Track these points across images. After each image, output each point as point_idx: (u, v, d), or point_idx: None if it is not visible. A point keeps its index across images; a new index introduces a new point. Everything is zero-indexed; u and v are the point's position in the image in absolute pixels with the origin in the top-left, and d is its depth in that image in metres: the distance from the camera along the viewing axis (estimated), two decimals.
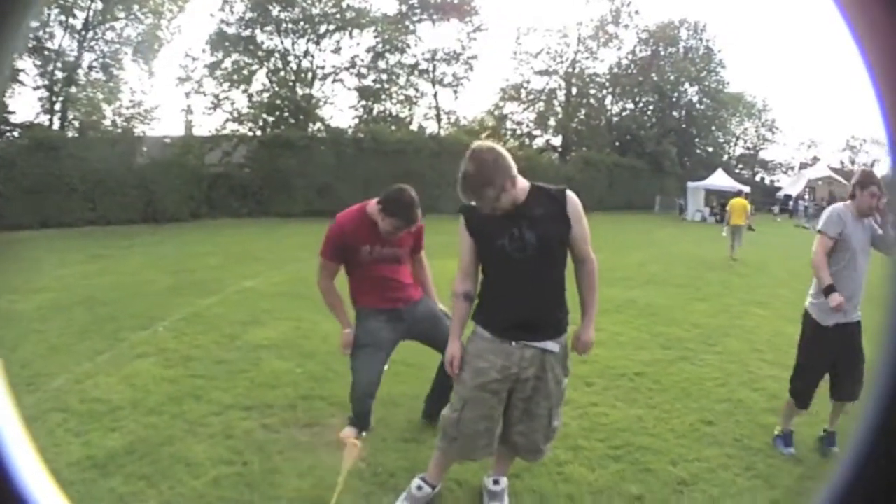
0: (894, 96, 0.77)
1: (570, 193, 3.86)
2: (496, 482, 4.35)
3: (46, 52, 29.23)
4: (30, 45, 26.69)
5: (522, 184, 3.81)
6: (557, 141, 53.44)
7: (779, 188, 62.86)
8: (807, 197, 57.41)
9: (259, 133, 35.77)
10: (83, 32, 30.32)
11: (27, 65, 28.30)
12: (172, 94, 58.36)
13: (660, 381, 7.28)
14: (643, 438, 5.59)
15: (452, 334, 3.99)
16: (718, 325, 10.52)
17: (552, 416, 4.04)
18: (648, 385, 7.15)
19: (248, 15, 37.13)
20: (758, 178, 67.50)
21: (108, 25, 31.62)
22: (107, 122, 30.16)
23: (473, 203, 3.83)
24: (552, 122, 52.80)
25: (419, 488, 4.25)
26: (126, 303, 10.62)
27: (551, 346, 3.86)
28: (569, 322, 3.93)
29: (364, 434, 5.00)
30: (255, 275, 13.43)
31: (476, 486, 4.54)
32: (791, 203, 54.71)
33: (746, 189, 29.87)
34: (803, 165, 68.34)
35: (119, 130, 29.30)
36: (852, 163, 72.95)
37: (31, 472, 0.89)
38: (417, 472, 4.48)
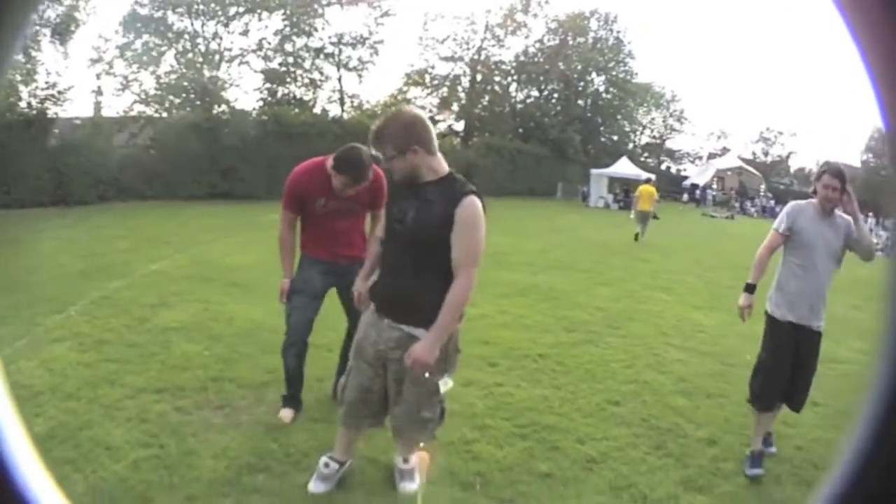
0: (894, 96, 0.75)
1: (468, 198, 3.74)
2: (405, 461, 4.45)
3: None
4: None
5: (437, 165, 3.84)
6: (460, 126, 53.48)
7: (685, 177, 64.23)
8: (715, 186, 58.87)
9: (165, 115, 35.17)
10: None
11: None
12: (84, 76, 56.63)
13: (564, 363, 7.49)
14: (549, 417, 5.79)
15: (362, 271, 4.28)
16: (622, 309, 10.84)
17: (420, 404, 3.99)
18: (553, 366, 7.36)
19: None
20: (663, 166, 68.76)
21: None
22: (23, 105, 29.36)
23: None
24: (455, 107, 52.89)
25: (326, 465, 4.36)
26: (41, 287, 10.43)
27: (418, 332, 3.81)
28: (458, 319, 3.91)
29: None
30: (162, 258, 13.22)
31: (388, 464, 4.66)
32: (698, 192, 56.07)
33: (653, 177, 30.14)
34: (712, 155, 70.02)
35: (34, 112, 28.54)
36: (765, 154, 74.99)
37: (31, 472, 0.91)
38: (330, 451, 4.54)
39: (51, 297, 9.67)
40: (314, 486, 4.29)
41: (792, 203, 5.45)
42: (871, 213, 39.99)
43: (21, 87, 28.66)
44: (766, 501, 4.62)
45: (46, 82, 29.69)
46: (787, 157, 75.83)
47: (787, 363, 5.18)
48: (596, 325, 9.49)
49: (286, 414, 5.46)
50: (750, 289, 5.45)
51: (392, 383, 4.01)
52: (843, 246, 5.12)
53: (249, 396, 5.95)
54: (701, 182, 57.83)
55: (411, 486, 4.40)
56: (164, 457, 4.74)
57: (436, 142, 3.86)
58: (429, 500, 4.26)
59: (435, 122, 52.38)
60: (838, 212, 5.15)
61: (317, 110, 43.21)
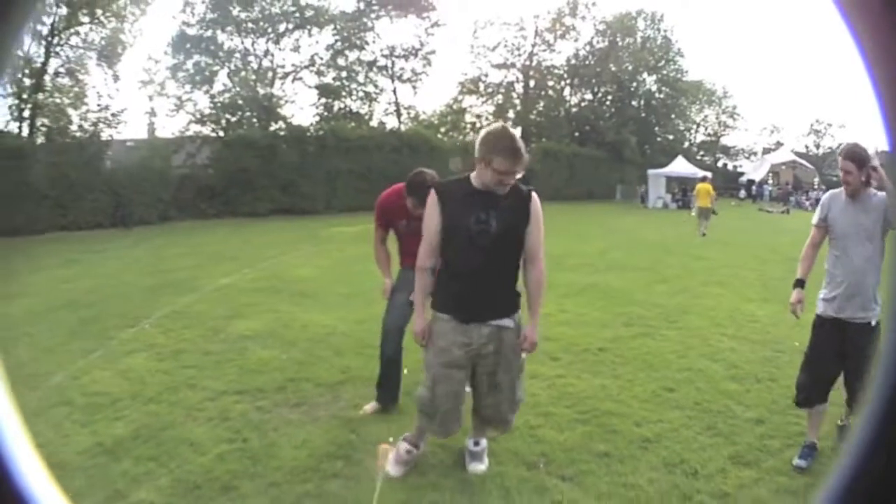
0: (894, 97, 0.76)
1: (534, 195, 4.39)
2: (476, 443, 4.80)
3: (14, 60, 28.89)
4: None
5: None
6: (517, 132, 53.36)
7: (742, 173, 63.65)
8: (770, 181, 58.24)
9: (222, 134, 35.80)
10: (49, 38, 30.00)
11: None
12: (136, 98, 57.74)
13: (622, 355, 7.78)
14: (608, 404, 6.09)
15: (417, 308, 4.51)
16: (678, 304, 11.02)
17: (515, 388, 4.50)
18: (611, 358, 7.66)
19: (209, 16, 37.42)
20: (720, 163, 68.21)
21: (72, 30, 31.29)
22: (74, 128, 29.95)
23: (456, 177, 4.46)
24: (511, 114, 52.79)
25: (408, 452, 4.71)
26: (108, 304, 10.87)
27: (507, 322, 4.34)
28: (520, 303, 4.42)
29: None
30: (230, 273, 13.69)
31: (457, 448, 4.99)
32: (755, 188, 55.51)
33: (709, 175, 30.81)
34: (766, 150, 69.33)
35: (86, 135, 29.17)
36: (817, 147, 74.15)
37: (32, 471, 0.90)
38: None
39: (120, 312, 10.16)
40: (393, 470, 4.58)
41: (827, 192, 5.35)
42: None
43: (71, 111, 29.32)
44: (810, 474, 4.78)
45: (98, 105, 30.35)
46: (839, 147, 74.51)
47: (828, 361, 5.02)
48: (653, 320, 9.72)
49: (371, 407, 5.91)
50: (799, 284, 5.36)
51: (484, 378, 4.43)
52: (881, 226, 4.80)
53: (326, 394, 6.34)
54: (756, 177, 57.39)
55: (481, 466, 4.75)
56: (247, 449, 5.08)
57: None
58: (497, 479, 4.60)
59: None
60: (875, 191, 4.91)
61: (373, 123, 43.90)
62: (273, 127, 37.14)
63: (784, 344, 8.21)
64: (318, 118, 41.79)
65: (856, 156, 4.85)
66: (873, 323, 4.80)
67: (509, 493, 4.40)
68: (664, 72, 57.98)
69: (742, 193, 54.63)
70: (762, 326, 9.41)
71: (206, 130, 36.53)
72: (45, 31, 29.68)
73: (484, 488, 4.50)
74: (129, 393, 6.41)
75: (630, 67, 55.07)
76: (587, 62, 54.10)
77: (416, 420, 4.76)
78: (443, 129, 49.67)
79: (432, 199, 4.36)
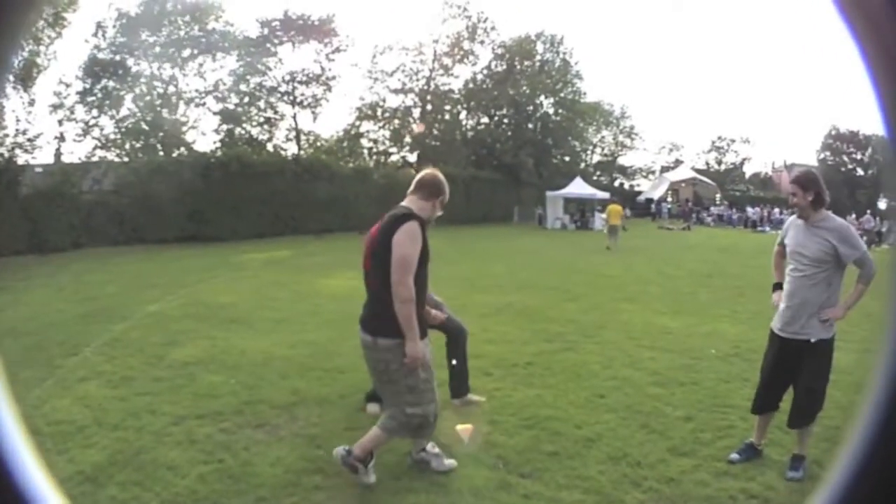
0: (894, 97, 0.76)
1: (405, 223, 4.71)
2: (434, 445, 5.39)
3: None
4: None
5: None
6: (413, 157, 53.38)
7: (639, 192, 65.35)
8: (669, 199, 59.86)
9: (126, 159, 35.39)
10: None
11: None
12: (45, 122, 56.29)
13: (550, 368, 8.45)
14: (547, 411, 6.74)
15: (416, 335, 4.72)
16: (592, 320, 11.75)
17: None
18: (540, 371, 8.31)
19: (119, 40, 37.03)
20: (616, 183, 69.47)
21: None
22: None
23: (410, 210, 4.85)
24: (408, 138, 52.96)
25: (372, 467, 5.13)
26: (47, 332, 10.86)
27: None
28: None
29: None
30: (156, 299, 13.77)
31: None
32: (654, 206, 57.03)
33: (606, 195, 35.45)
34: (665, 168, 71.24)
35: (3, 160, 28.58)
36: (719, 163, 76.16)
37: (32, 472, 0.93)
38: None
39: (60, 340, 10.19)
40: (371, 479, 5.04)
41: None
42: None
43: None
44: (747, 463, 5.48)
45: (17, 129, 29.70)
46: (741, 163, 77.16)
47: (775, 374, 5.36)
48: (571, 335, 10.38)
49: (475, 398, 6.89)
50: (775, 287, 5.58)
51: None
52: (830, 252, 5.01)
53: (283, 415, 6.64)
54: (655, 196, 58.92)
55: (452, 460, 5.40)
56: (225, 469, 5.33)
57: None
58: (465, 480, 5.16)
59: (388, 154, 52.83)
60: (833, 217, 5.14)
61: (269, 148, 43.95)
62: (176, 153, 36.84)
63: (701, 352, 9.13)
64: (219, 144, 41.63)
65: (800, 179, 5.13)
66: (813, 340, 5.10)
67: (479, 491, 4.97)
68: (562, 94, 58.41)
69: (627, 213, 56.07)
70: (676, 338, 10.21)
71: (111, 156, 36.10)
72: None
73: (455, 488, 5.04)
74: (93, 420, 6.55)
75: (527, 90, 55.39)
76: (485, 86, 54.37)
77: (388, 436, 5.12)
78: (340, 155, 49.68)
79: (418, 230, 4.70)
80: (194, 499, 4.88)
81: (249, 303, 13.68)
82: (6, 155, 28.72)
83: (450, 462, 5.30)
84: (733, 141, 76.22)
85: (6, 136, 29.53)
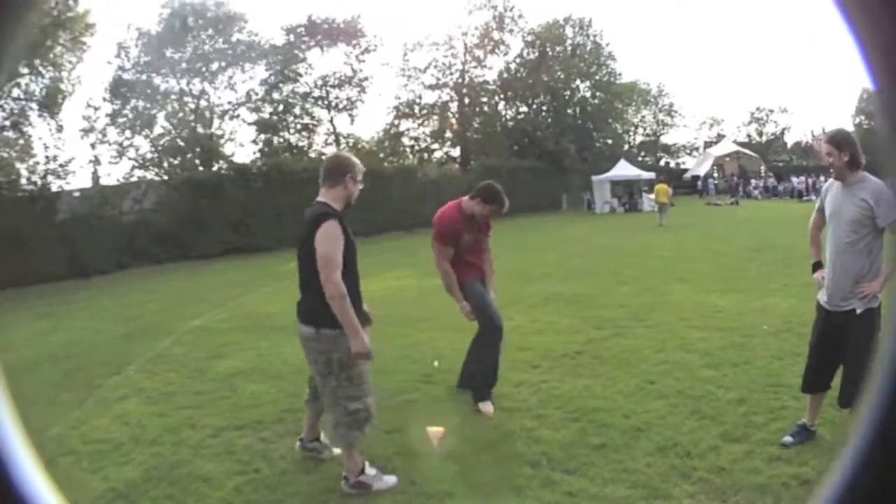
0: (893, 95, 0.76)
1: (322, 223, 4.70)
2: (371, 466, 5.11)
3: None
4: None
5: None
6: (456, 152, 53.61)
7: (685, 170, 64.11)
8: (716, 175, 58.78)
9: (166, 177, 35.67)
10: None
11: None
12: (79, 146, 57.23)
13: (599, 356, 8.14)
14: (594, 402, 6.44)
15: (359, 329, 4.69)
16: (643, 302, 11.40)
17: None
18: (589, 361, 8.00)
19: (143, 59, 37.37)
20: (662, 162, 68.32)
21: (13, 83, 31.00)
22: (23, 181, 29.75)
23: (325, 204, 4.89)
24: (448, 133, 53.03)
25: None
26: (88, 355, 10.89)
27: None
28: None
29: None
30: (200, 314, 13.73)
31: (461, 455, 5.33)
32: (700, 182, 56.18)
33: (652, 175, 36.92)
34: (708, 144, 69.49)
35: (36, 188, 28.97)
36: (760, 135, 74.47)
37: (32, 472, 0.90)
38: (410, 454, 5.45)
39: (102, 361, 10.21)
40: (388, 481, 4.98)
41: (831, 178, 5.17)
42: None
43: (18, 164, 28.99)
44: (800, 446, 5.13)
45: (46, 157, 30.07)
46: (782, 133, 75.23)
47: (822, 350, 5.10)
48: (622, 320, 10.05)
49: (489, 408, 6.40)
50: (814, 266, 5.30)
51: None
52: (868, 213, 4.72)
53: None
54: (701, 172, 57.63)
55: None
56: (261, 479, 5.24)
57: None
58: (506, 480, 4.91)
59: (430, 150, 52.76)
60: (872, 178, 4.82)
61: (312, 154, 44.01)
62: (216, 167, 37.06)
63: (752, 329, 8.71)
64: (258, 154, 41.91)
65: (835, 138, 4.87)
66: (858, 311, 4.82)
67: (521, 490, 4.71)
68: (597, 77, 57.99)
69: (670, 190, 55.18)
70: (728, 316, 9.82)
71: (150, 175, 36.51)
72: None
73: (497, 489, 4.82)
74: (130, 437, 6.51)
75: (562, 76, 55.02)
76: (519, 75, 54.04)
77: (351, 445, 4.95)
78: (382, 155, 49.90)
79: (335, 228, 4.71)
80: None
81: (293, 312, 13.38)
82: (38, 183, 29.17)
83: (390, 480, 5.01)
84: (771, 111, 74.44)
85: (37, 163, 30.05)
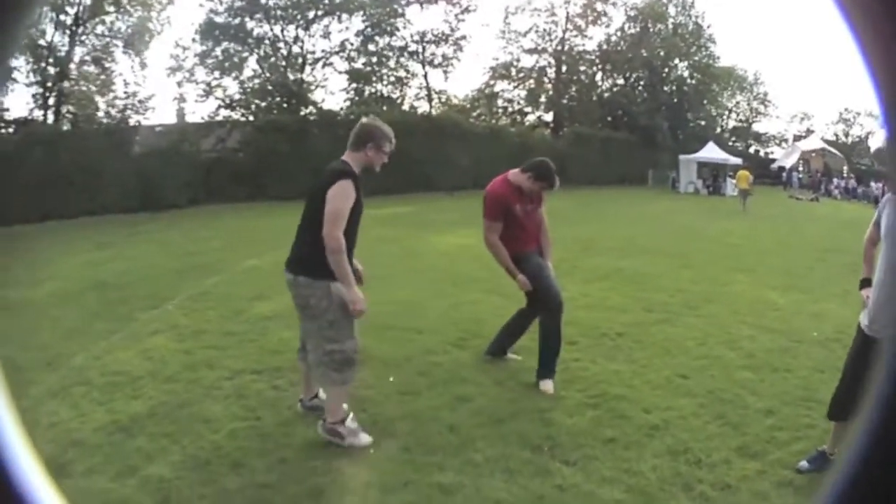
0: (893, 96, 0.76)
1: (339, 180, 4.78)
2: (354, 419, 5.06)
3: (38, 49, 29.21)
4: (22, 42, 26.88)
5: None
6: (549, 117, 53.27)
7: (773, 160, 62.66)
8: (801, 169, 57.47)
9: (252, 119, 35.84)
10: (73, 28, 30.43)
11: (19, 62, 28.31)
12: (165, 84, 58.22)
13: (641, 340, 7.76)
14: (619, 389, 6.08)
15: (352, 281, 4.83)
16: (702, 291, 10.93)
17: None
18: (629, 344, 7.63)
19: (237, 4, 37.35)
20: (751, 150, 66.67)
21: (98, 20, 31.74)
22: (101, 115, 30.27)
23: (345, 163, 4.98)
24: (543, 98, 52.63)
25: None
26: (135, 286, 10.97)
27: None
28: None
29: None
30: (258, 254, 13.62)
31: (464, 430, 5.12)
32: (785, 175, 54.92)
33: (739, 161, 37.82)
34: (797, 137, 67.49)
35: (113, 122, 29.49)
36: (846, 135, 72.42)
37: (32, 472, 0.87)
38: (416, 420, 5.30)
39: (147, 294, 10.27)
40: (363, 439, 4.94)
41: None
42: None
43: (97, 98, 29.58)
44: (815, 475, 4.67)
45: (125, 92, 30.63)
46: (867, 136, 72.55)
47: (855, 375, 4.64)
48: (675, 306, 9.65)
49: (549, 386, 6.13)
50: (863, 283, 4.88)
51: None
52: None
53: None
54: (787, 164, 56.48)
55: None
56: (260, 427, 5.18)
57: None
58: (501, 461, 4.63)
59: (524, 113, 52.49)
60: None
61: (405, 107, 43.94)
62: (303, 112, 37.09)
63: (802, 334, 8.21)
64: (348, 103, 41.69)
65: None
66: None
67: (512, 476, 4.42)
68: (696, 58, 57.01)
69: (751, 178, 53.99)
70: (783, 315, 9.33)
71: (236, 115, 36.61)
72: (68, 20, 30.04)
73: (488, 469, 4.54)
74: (149, 372, 6.50)
75: (662, 53, 54.32)
76: (619, 48, 53.38)
77: (338, 384, 4.93)
78: (474, 114, 49.76)
79: (349, 187, 4.77)
80: (217, 454, 4.76)
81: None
82: (117, 117, 29.64)
83: (364, 438, 4.96)
84: (859, 114, 71.93)
85: (116, 98, 30.55)
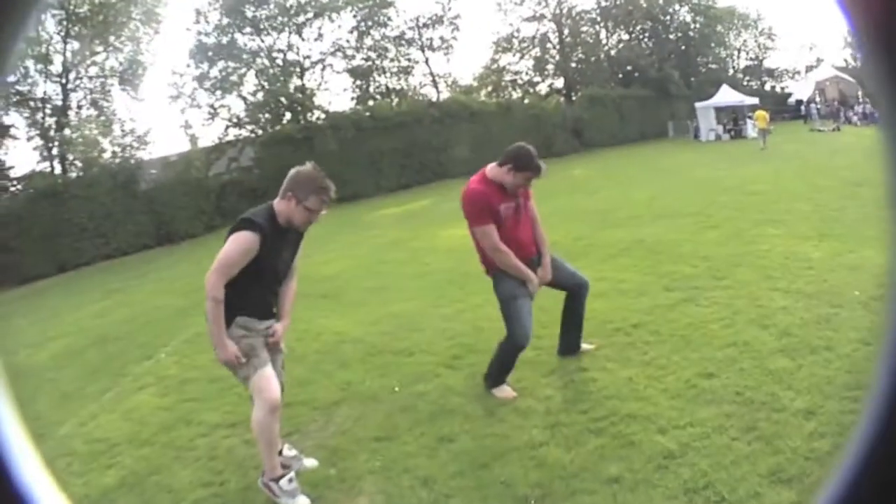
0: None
1: (238, 231, 4.52)
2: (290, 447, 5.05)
3: (33, 103, 29.79)
4: (13, 100, 27.36)
5: None
6: (560, 83, 52.97)
7: (789, 94, 61.85)
8: (818, 99, 56.36)
9: (261, 133, 36.20)
10: (64, 75, 30.96)
11: (16, 119, 29.20)
12: (169, 113, 59.12)
13: (658, 331, 6.89)
14: (631, 404, 5.17)
15: (220, 337, 4.48)
16: (728, 254, 10.11)
17: None
18: (645, 337, 6.77)
19: (224, 21, 37.52)
20: (767, 87, 65.43)
21: (89, 62, 32.27)
22: (107, 155, 30.61)
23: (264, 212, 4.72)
24: (550, 66, 52.57)
25: (290, 481, 4.56)
26: (135, 335, 10.98)
27: None
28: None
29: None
30: None
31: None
32: (803, 108, 53.90)
33: (755, 100, 40.51)
34: (809, 68, 66.33)
35: (118, 161, 29.80)
36: (855, 59, 70.95)
37: (32, 472, 0.90)
38: (388, 472, 4.74)
39: (144, 342, 10.20)
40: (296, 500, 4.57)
41: None
42: None
43: (101, 139, 30.00)
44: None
45: (122, 130, 30.89)
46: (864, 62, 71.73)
47: None
48: (699, 279, 8.83)
49: (510, 392, 5.72)
50: None
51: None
52: None
53: (320, 419, 5.99)
54: (804, 97, 55.69)
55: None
56: (222, 494, 4.87)
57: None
58: None
59: (534, 83, 52.09)
60: None
61: (412, 96, 44.16)
62: (311, 118, 37.38)
63: (842, 294, 7.18)
64: (354, 101, 42.07)
65: None
66: None
67: None
68: (695, 1, 56.57)
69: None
70: (817, 273, 8.31)
71: (246, 133, 36.98)
72: (56, 69, 30.66)
73: None
74: (128, 436, 6.36)
75: (661, 1, 54.01)
76: (617, 2, 53.17)
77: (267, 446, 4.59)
78: (484, 92, 50.18)
79: (245, 241, 4.44)
80: None
81: (356, 271, 13.47)
82: (120, 155, 29.91)
83: (301, 502, 4.55)
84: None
85: (120, 136, 30.89)
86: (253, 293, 4.59)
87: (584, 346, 6.51)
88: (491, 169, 5.73)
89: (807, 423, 4.52)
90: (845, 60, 68.82)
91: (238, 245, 4.43)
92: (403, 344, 7.83)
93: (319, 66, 41.21)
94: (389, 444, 5.22)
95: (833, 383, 5.04)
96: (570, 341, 6.44)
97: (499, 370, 5.83)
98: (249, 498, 4.74)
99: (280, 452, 4.83)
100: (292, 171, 4.73)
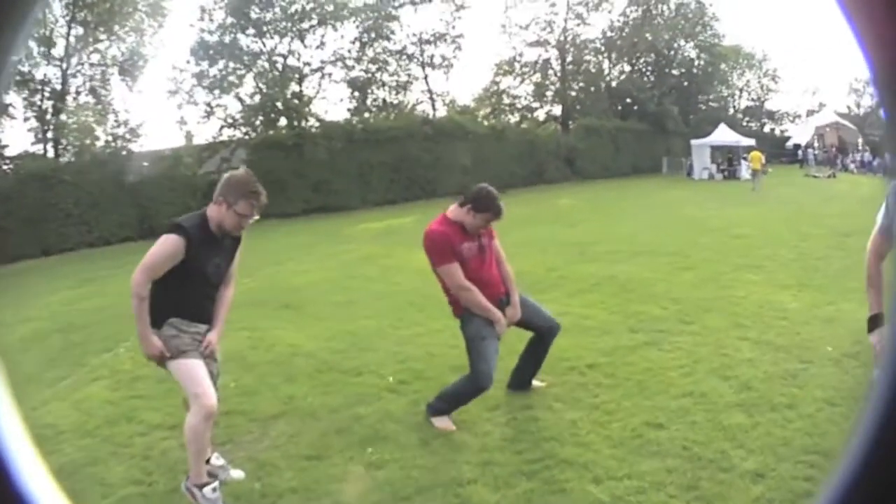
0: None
1: (165, 234, 4.63)
2: (218, 456, 5.01)
3: (32, 84, 29.83)
4: (15, 79, 27.32)
5: None
6: (558, 111, 53.07)
7: (788, 138, 62.31)
8: (816, 145, 56.84)
9: (254, 136, 36.27)
10: (66, 60, 30.99)
11: (15, 98, 28.90)
12: (166, 108, 59.07)
13: (614, 374, 6.70)
14: (569, 450, 4.98)
15: (144, 330, 4.57)
16: (701, 297, 9.95)
17: None
18: (599, 379, 6.58)
19: (228, 21, 37.33)
20: (766, 129, 65.93)
21: (91, 49, 32.26)
22: (100, 144, 30.69)
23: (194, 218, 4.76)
24: (550, 92, 52.46)
25: (214, 490, 4.55)
26: (99, 326, 10.90)
27: None
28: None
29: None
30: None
31: None
32: (801, 152, 54.38)
33: (752, 141, 40.51)
34: (810, 112, 66.96)
35: (111, 150, 30.06)
36: (858, 106, 71.26)
37: (31, 472, 0.91)
38: (309, 493, 4.71)
39: (107, 335, 10.08)
40: None
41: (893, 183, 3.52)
42: None
43: (95, 127, 30.06)
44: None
45: (116, 121, 31.12)
46: (878, 106, 72.00)
47: None
48: (666, 322, 8.66)
49: (449, 425, 5.60)
50: (871, 323, 3.61)
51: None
52: None
53: (256, 431, 5.97)
54: (802, 141, 56.40)
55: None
56: (150, 494, 4.88)
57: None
58: None
59: (531, 109, 52.07)
60: None
61: (408, 112, 43.92)
62: (305, 125, 37.22)
63: (813, 349, 7.06)
64: (349, 112, 41.89)
65: None
66: None
67: None
68: (701, 37, 56.62)
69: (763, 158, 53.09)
70: (791, 325, 8.17)
71: (240, 134, 36.91)
72: (59, 53, 30.73)
73: None
74: (73, 425, 6.39)
75: (666, 35, 53.86)
76: (622, 33, 53.28)
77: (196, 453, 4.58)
78: (481, 113, 50.18)
79: (169, 244, 4.50)
80: None
81: (324, 284, 13.29)
82: (112, 146, 30.19)
83: (237, 473, 4.90)
84: (868, 83, 70.90)
85: (114, 126, 31.07)
86: (185, 296, 4.60)
87: (535, 382, 6.38)
88: (452, 210, 5.73)
89: (754, 487, 4.33)
90: (848, 107, 69.54)
91: (162, 248, 4.49)
92: (354, 363, 7.76)
93: (319, 74, 40.92)
94: (318, 463, 5.16)
95: (790, 445, 4.83)
96: (522, 377, 6.31)
97: (450, 404, 5.71)
98: (175, 501, 4.71)
99: (208, 461, 4.77)
100: (225, 176, 4.79)
